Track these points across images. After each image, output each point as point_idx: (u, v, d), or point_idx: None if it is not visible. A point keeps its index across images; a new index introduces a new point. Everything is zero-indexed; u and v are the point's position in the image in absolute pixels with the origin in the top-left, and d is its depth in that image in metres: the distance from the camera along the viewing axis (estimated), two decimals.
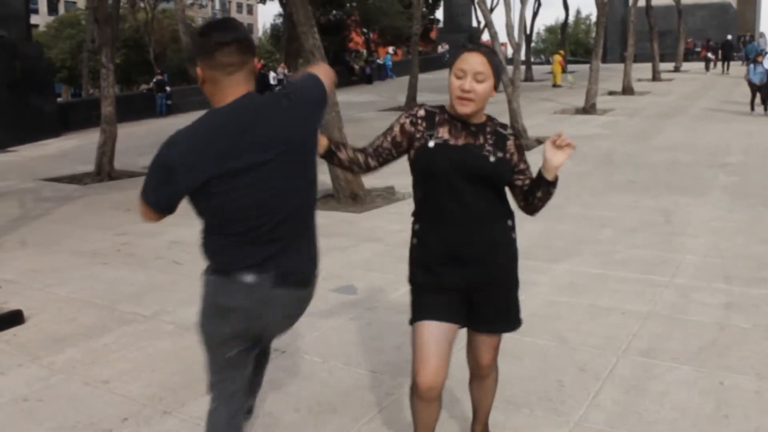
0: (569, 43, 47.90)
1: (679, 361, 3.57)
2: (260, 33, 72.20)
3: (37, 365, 3.83)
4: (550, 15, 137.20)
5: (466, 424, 2.85)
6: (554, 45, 52.93)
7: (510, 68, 13.95)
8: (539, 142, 12.86)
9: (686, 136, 13.14)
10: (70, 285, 5.36)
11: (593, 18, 58.67)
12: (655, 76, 26.22)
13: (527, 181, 2.36)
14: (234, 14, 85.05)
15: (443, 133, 2.28)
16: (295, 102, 2.09)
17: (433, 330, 2.28)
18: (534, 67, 33.46)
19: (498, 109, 11.81)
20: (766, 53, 17.58)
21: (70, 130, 19.39)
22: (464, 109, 2.23)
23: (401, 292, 4.06)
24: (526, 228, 6.47)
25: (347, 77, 30.33)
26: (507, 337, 3.93)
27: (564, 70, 27.80)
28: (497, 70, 2.25)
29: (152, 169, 2.03)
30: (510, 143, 2.32)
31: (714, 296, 4.55)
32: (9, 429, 3.13)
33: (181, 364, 3.75)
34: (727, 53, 29.93)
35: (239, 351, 2.15)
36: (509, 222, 2.41)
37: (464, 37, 36.33)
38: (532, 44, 39.36)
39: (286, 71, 24.63)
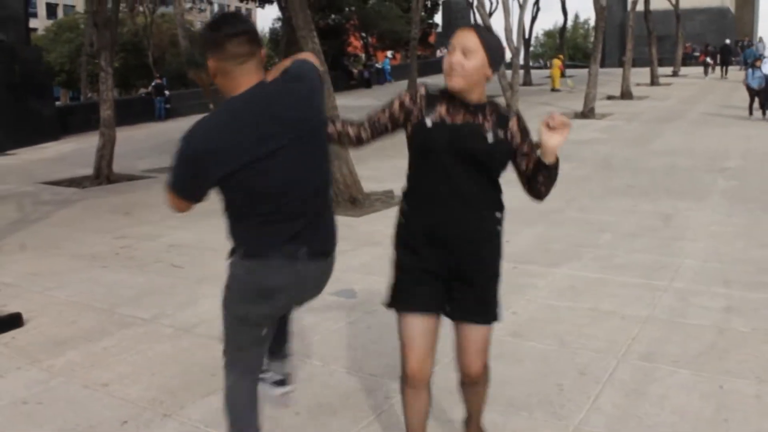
0: (567, 48, 47.99)
1: (678, 365, 3.57)
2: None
3: (36, 368, 3.82)
4: (549, 19, 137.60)
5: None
6: (552, 49, 53.00)
7: (509, 72, 13.99)
8: (536, 146, 12.87)
9: (685, 140, 13.17)
10: (69, 288, 5.36)
11: (591, 22, 58.74)
12: (654, 81, 26.29)
13: (531, 165, 2.30)
14: None
15: (441, 111, 2.25)
16: (301, 84, 2.20)
17: (417, 323, 2.33)
18: (532, 71, 33.50)
19: None
20: (764, 58, 17.64)
21: (68, 133, 19.41)
22: (452, 83, 2.21)
23: None
24: (526, 232, 6.54)
25: (346, 81, 30.36)
26: (508, 340, 3.96)
27: (563, 75, 27.86)
28: (491, 48, 2.20)
29: (178, 162, 2.08)
30: (512, 123, 2.27)
31: (713, 300, 4.56)
32: None
33: (181, 367, 3.75)
34: (725, 58, 30.04)
35: (270, 327, 2.29)
36: (497, 214, 2.35)
37: None
38: (531, 49, 39.37)
39: None
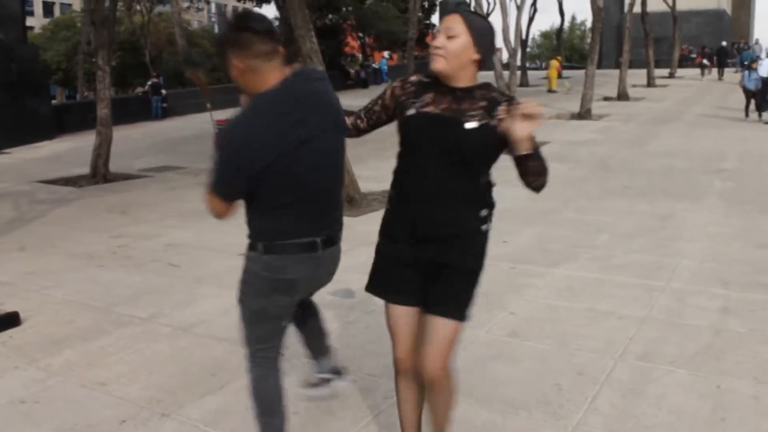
0: (564, 49, 48.06)
1: (676, 365, 3.58)
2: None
3: (33, 367, 3.81)
4: (546, 21, 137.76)
5: None
6: (549, 50, 53.07)
7: (506, 73, 14.01)
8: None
9: (681, 141, 13.20)
10: (66, 287, 5.34)
11: (588, 24, 58.89)
12: (650, 82, 26.36)
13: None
14: (230, 17, 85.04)
15: (428, 99, 2.21)
16: (323, 83, 2.31)
17: (400, 314, 2.36)
18: (529, 72, 33.55)
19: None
20: (760, 60, 17.69)
21: (64, 132, 19.34)
22: (435, 65, 2.18)
23: None
24: (524, 232, 6.55)
25: (343, 81, 30.37)
26: (506, 340, 3.97)
27: (560, 76, 27.90)
28: (475, 30, 2.15)
29: (221, 159, 2.13)
30: (503, 109, 2.14)
31: (710, 301, 4.57)
32: (7, 431, 3.12)
33: (179, 367, 3.75)
34: (722, 60, 30.14)
35: (288, 317, 2.42)
36: (482, 212, 2.26)
37: None
38: (528, 50, 39.42)
39: None
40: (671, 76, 30.51)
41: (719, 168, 10.20)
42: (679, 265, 5.40)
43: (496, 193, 2.32)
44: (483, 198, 2.27)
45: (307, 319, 2.68)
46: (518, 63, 17.19)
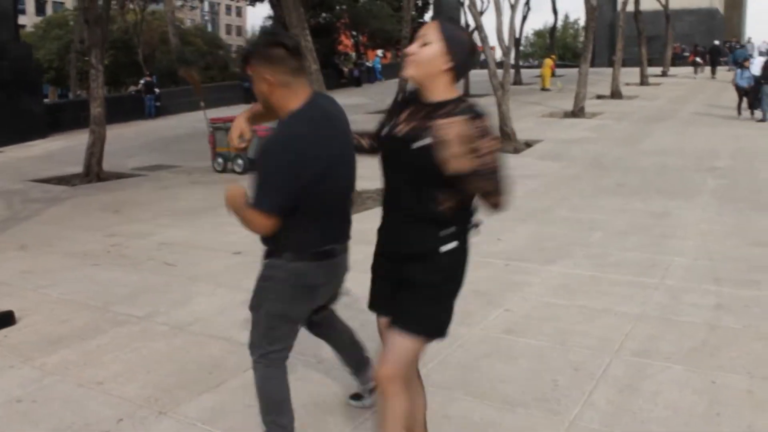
0: (557, 48, 48.14)
1: (671, 361, 3.61)
2: (249, 35, 71.99)
3: (29, 366, 3.81)
4: (539, 19, 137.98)
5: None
6: (542, 49, 53.16)
7: (500, 72, 14.02)
8: (528, 145, 12.95)
9: (674, 139, 13.25)
10: (62, 286, 5.33)
11: (581, 23, 59.03)
12: (643, 81, 26.42)
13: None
14: (223, 16, 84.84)
15: (403, 116, 2.21)
16: (332, 99, 2.49)
17: (382, 323, 2.41)
18: (523, 70, 33.61)
19: (488, 113, 11.84)
20: (752, 58, 17.77)
21: (57, 131, 19.28)
22: (405, 71, 2.19)
23: None
24: (518, 230, 6.57)
25: (336, 80, 30.34)
26: (503, 338, 3.98)
27: (553, 75, 27.94)
28: (449, 38, 2.11)
29: (274, 172, 2.20)
30: (434, 125, 2.04)
31: (704, 297, 4.60)
32: (5, 430, 3.12)
33: (175, 365, 3.75)
34: (714, 58, 30.26)
35: (305, 321, 2.58)
36: (441, 232, 2.16)
37: None
38: (521, 48, 39.49)
39: None
40: (664, 74, 30.59)
41: (712, 166, 10.25)
42: (673, 262, 5.43)
43: None
44: (443, 217, 2.16)
45: (341, 334, 2.98)
46: (512, 61, 17.15)
